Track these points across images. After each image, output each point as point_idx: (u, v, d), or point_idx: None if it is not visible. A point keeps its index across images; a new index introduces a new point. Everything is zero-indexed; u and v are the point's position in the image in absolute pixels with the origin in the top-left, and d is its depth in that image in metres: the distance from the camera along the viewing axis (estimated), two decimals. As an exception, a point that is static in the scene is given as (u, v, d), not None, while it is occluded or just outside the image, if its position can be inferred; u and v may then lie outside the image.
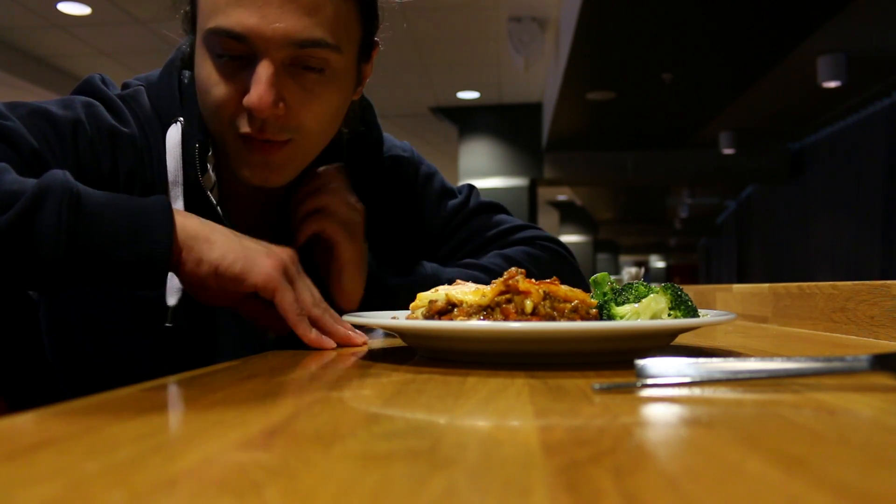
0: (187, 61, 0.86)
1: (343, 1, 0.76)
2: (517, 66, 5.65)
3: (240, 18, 0.71)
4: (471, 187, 1.08)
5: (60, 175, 0.59)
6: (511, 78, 6.63)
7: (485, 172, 7.52)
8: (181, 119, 0.81)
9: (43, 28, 5.32)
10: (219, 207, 0.81)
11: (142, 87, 0.84)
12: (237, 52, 0.73)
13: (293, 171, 0.82)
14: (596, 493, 0.22)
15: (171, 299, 0.76)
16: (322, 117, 0.79)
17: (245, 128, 0.75)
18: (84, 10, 4.96)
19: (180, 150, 0.80)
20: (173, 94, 0.83)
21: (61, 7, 4.92)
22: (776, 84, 5.59)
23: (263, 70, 0.73)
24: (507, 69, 6.31)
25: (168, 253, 0.61)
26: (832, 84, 5.29)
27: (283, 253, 0.70)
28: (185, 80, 0.86)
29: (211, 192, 0.82)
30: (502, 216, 1.07)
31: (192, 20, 0.80)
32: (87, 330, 0.82)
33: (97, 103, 0.79)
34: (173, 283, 0.75)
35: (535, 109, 7.59)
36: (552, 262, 1.00)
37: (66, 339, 0.84)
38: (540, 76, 6.61)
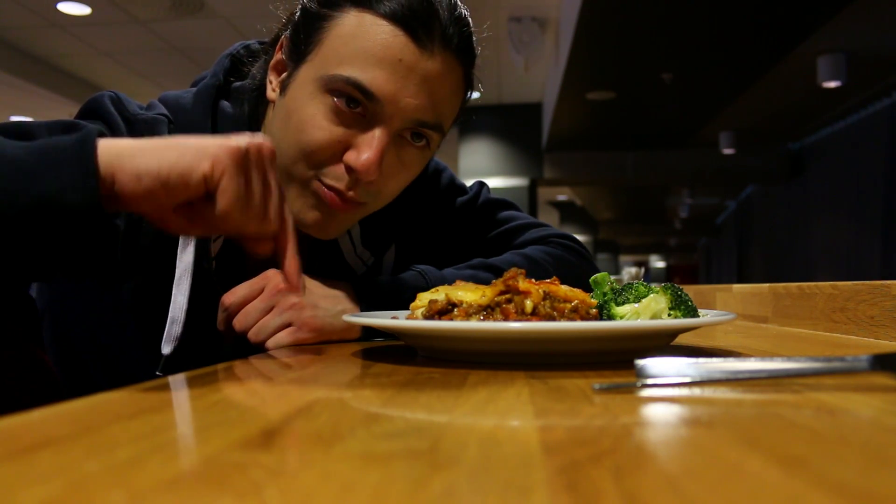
0: (224, 90, 0.83)
1: (460, 93, 0.80)
2: (517, 66, 5.65)
3: (379, 80, 0.71)
4: (481, 184, 1.07)
5: None
6: (511, 78, 6.62)
7: (485, 172, 7.51)
8: None
9: (43, 28, 5.32)
10: (214, 261, 0.79)
11: (163, 118, 0.78)
12: (355, 106, 0.73)
13: (348, 227, 0.83)
14: (596, 493, 0.22)
15: (166, 348, 0.74)
16: (401, 187, 0.81)
17: (335, 182, 0.74)
18: (84, 10, 4.96)
19: None
20: (205, 130, 0.79)
21: (61, 7, 4.92)
22: (776, 84, 5.59)
23: (381, 137, 0.73)
24: (507, 69, 6.30)
25: (94, 176, 0.47)
26: (832, 84, 5.29)
27: (246, 140, 0.53)
28: (228, 111, 0.81)
29: (213, 243, 0.80)
30: (512, 212, 1.06)
31: (301, 50, 0.76)
32: (90, 349, 0.81)
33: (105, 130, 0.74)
34: (170, 332, 0.74)
35: (535, 109, 7.58)
36: (578, 264, 0.99)
37: (69, 355, 0.83)
38: (540, 76, 6.61)
